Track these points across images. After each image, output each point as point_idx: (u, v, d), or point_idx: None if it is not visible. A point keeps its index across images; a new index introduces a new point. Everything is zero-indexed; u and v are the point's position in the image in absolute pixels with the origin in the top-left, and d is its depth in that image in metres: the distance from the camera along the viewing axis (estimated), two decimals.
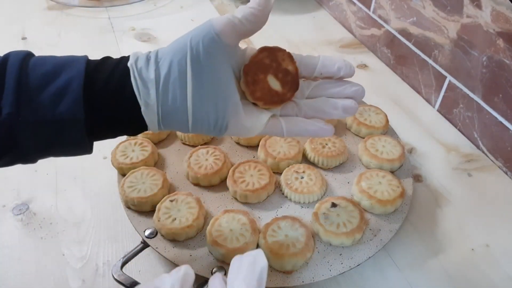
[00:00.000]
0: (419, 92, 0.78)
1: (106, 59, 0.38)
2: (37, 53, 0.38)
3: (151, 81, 0.36)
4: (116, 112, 0.37)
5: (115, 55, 0.39)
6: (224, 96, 0.38)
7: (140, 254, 0.48)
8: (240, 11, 0.37)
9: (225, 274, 0.45)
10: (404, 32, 0.79)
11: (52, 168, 0.61)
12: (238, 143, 0.62)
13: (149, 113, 0.37)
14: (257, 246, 0.48)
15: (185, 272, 0.30)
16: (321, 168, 0.59)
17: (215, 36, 0.36)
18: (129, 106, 0.37)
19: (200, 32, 0.36)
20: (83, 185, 0.59)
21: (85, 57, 0.37)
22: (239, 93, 0.39)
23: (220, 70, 0.37)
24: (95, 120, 0.36)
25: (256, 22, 0.37)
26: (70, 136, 0.36)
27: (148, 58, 0.37)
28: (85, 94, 0.35)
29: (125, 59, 0.38)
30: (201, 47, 0.36)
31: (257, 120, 0.40)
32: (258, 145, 0.60)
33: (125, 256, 0.47)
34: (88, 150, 0.38)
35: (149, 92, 0.36)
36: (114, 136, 0.39)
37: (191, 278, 0.30)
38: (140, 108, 0.37)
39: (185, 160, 0.57)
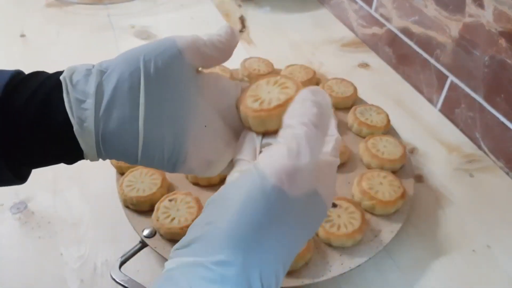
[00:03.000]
0: (420, 92, 0.78)
1: (36, 73, 0.32)
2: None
3: (90, 95, 0.30)
4: (42, 134, 0.30)
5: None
6: (186, 119, 0.31)
7: (138, 254, 0.48)
8: (206, 35, 0.33)
9: None
10: (406, 31, 0.78)
11: (50, 167, 0.60)
12: None
13: (84, 134, 0.30)
14: None
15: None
16: None
17: (177, 52, 0.31)
18: (58, 127, 0.30)
19: (159, 46, 0.31)
20: (81, 184, 0.59)
21: (12, 72, 0.31)
22: (206, 122, 0.33)
23: (181, 89, 0.31)
24: (16, 147, 0.30)
25: (220, 50, 0.33)
26: None
27: (88, 71, 0.31)
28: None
29: (59, 73, 0.31)
30: (160, 62, 0.30)
31: (223, 153, 0.33)
32: None
33: (123, 256, 0.47)
34: (13, 180, 0.32)
35: (86, 107, 0.29)
36: (47, 163, 0.33)
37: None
38: (73, 130, 0.30)
39: None
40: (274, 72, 0.70)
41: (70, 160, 0.33)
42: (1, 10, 0.98)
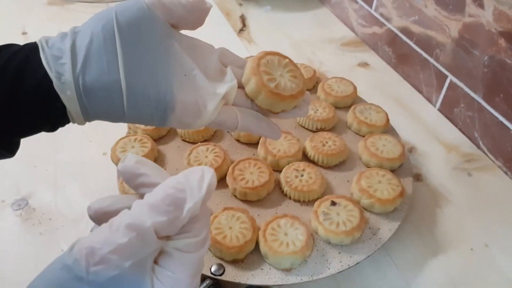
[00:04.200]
0: (420, 91, 0.78)
1: (10, 44, 0.32)
2: None
3: (66, 51, 0.30)
4: (23, 94, 0.30)
5: None
6: (166, 67, 0.32)
7: None
8: None
9: (224, 272, 0.46)
10: (405, 31, 0.79)
11: (51, 164, 0.61)
12: (238, 140, 0.62)
13: (64, 87, 0.30)
14: (256, 244, 0.48)
15: (210, 183, 0.26)
16: (321, 166, 0.59)
17: (144, 6, 0.32)
18: (38, 84, 0.30)
19: (127, 2, 0.32)
20: (82, 181, 0.59)
21: None
22: (186, 72, 0.33)
23: (156, 40, 0.32)
24: None
25: (187, 9, 0.33)
26: None
27: (63, 34, 0.32)
28: None
29: (34, 42, 0.32)
30: (129, 14, 0.31)
31: (209, 100, 0.33)
32: (258, 143, 0.60)
33: None
34: (2, 152, 0.32)
35: (63, 62, 0.30)
36: (32, 129, 0.33)
37: (214, 187, 0.27)
38: (53, 87, 0.30)
39: (184, 157, 0.57)
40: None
41: (55, 123, 0.33)
42: (2, 7, 0.98)
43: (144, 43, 0.32)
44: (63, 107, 0.31)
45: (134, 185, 0.28)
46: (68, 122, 0.33)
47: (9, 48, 0.32)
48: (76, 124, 0.33)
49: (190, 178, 0.26)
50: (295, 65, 0.39)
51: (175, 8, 0.33)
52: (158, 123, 0.33)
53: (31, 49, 0.31)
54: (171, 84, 0.32)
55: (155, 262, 0.26)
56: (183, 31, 0.36)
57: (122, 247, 0.24)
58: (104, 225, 0.25)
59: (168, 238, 0.26)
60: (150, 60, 0.32)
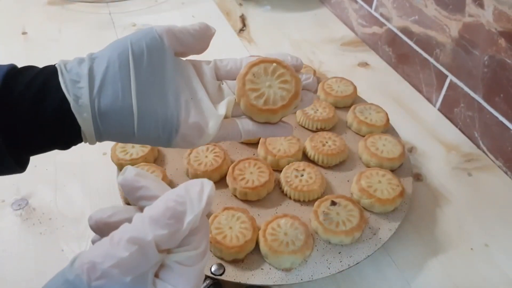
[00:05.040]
0: (420, 91, 0.78)
1: (31, 66, 0.35)
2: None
3: (83, 76, 0.33)
4: (41, 115, 0.32)
5: None
6: (174, 89, 0.35)
7: None
8: (179, 25, 0.37)
9: (224, 272, 0.46)
10: (405, 31, 0.79)
11: (51, 164, 0.61)
12: None
13: (80, 109, 0.32)
14: (257, 244, 0.48)
15: (209, 196, 0.27)
16: (321, 166, 0.59)
17: (157, 36, 0.35)
18: (55, 106, 0.32)
19: (140, 33, 0.35)
20: (82, 181, 0.59)
21: (10, 65, 0.34)
22: (193, 90, 0.37)
23: (166, 68, 0.35)
24: (16, 131, 0.32)
25: (195, 37, 0.37)
26: None
27: (81, 59, 0.34)
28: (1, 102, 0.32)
29: (53, 65, 0.34)
30: (144, 44, 0.34)
31: (210, 120, 0.36)
32: (258, 143, 0.60)
33: None
34: (15, 167, 0.34)
35: (80, 86, 0.32)
36: (46, 147, 0.35)
37: (212, 199, 0.27)
38: (70, 109, 0.32)
39: (185, 156, 0.57)
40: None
41: (68, 142, 0.35)
42: (2, 7, 0.98)
43: (155, 70, 0.34)
44: (78, 128, 0.33)
45: (134, 198, 0.29)
46: (81, 141, 0.35)
47: (30, 70, 0.34)
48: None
49: (190, 191, 0.26)
50: (284, 66, 0.37)
51: (184, 37, 0.36)
52: (164, 144, 0.36)
53: (50, 73, 0.33)
54: (177, 108, 0.35)
55: (156, 275, 0.26)
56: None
57: (124, 261, 0.24)
58: (105, 239, 0.25)
59: (168, 251, 0.26)
60: (159, 87, 0.34)
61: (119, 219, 0.28)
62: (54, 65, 0.34)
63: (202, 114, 0.36)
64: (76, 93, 0.32)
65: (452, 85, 0.71)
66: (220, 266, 0.46)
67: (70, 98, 0.32)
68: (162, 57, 0.35)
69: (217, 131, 0.36)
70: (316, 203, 0.52)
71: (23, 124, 0.32)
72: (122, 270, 0.24)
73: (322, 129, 0.64)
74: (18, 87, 0.32)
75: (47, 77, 0.33)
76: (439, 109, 0.74)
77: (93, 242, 0.29)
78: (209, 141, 0.37)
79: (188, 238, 0.27)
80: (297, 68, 0.39)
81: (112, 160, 0.56)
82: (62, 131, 0.34)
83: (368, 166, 0.59)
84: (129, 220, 0.26)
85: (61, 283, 0.24)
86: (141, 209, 0.28)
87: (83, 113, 0.33)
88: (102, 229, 0.28)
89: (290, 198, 0.54)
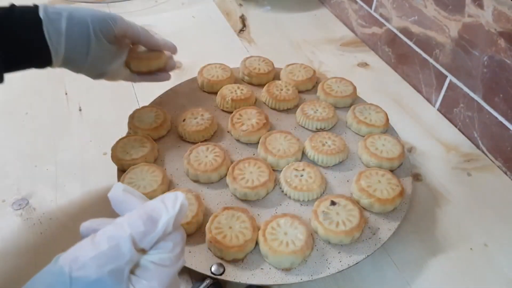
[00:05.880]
0: (419, 91, 0.78)
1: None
2: None
3: (63, 15, 0.46)
4: (12, 23, 0.42)
5: None
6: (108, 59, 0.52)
7: None
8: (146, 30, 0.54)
9: (224, 271, 0.46)
10: (405, 31, 0.79)
11: (52, 164, 0.61)
12: (238, 140, 0.62)
13: (50, 24, 0.44)
14: (256, 244, 0.48)
15: (182, 204, 0.30)
16: (320, 166, 0.59)
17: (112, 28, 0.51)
18: (30, 14, 0.44)
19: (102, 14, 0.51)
20: (83, 180, 0.59)
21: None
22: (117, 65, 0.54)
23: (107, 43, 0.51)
24: None
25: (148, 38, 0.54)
26: None
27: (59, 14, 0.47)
28: None
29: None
30: (97, 26, 0.50)
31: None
32: (258, 143, 0.60)
33: None
34: None
35: (57, 12, 0.46)
36: (20, 64, 0.46)
37: (186, 209, 0.31)
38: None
39: (185, 156, 0.57)
40: (273, 71, 0.71)
41: (40, 60, 0.46)
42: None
43: (100, 42, 0.51)
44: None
45: (120, 210, 0.32)
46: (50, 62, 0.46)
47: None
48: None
49: (165, 200, 0.30)
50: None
51: (136, 34, 0.56)
52: (93, 73, 0.53)
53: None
54: (108, 64, 0.53)
55: (132, 273, 0.29)
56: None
57: (103, 254, 0.27)
58: (87, 237, 0.29)
59: (144, 252, 0.30)
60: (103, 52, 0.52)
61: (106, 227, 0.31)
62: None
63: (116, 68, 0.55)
64: (50, 16, 0.45)
65: (451, 85, 0.71)
66: (220, 266, 0.46)
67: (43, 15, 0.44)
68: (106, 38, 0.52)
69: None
70: (316, 203, 0.52)
71: None
72: (101, 262, 0.27)
73: (321, 129, 0.64)
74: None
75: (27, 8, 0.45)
76: (438, 109, 0.74)
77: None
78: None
79: (163, 242, 0.30)
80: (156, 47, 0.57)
81: (113, 160, 0.56)
82: (32, 45, 0.44)
83: (367, 166, 0.59)
84: None
85: (46, 275, 0.27)
86: None
87: (50, 28, 0.45)
88: (89, 234, 0.31)
89: (289, 198, 0.54)
